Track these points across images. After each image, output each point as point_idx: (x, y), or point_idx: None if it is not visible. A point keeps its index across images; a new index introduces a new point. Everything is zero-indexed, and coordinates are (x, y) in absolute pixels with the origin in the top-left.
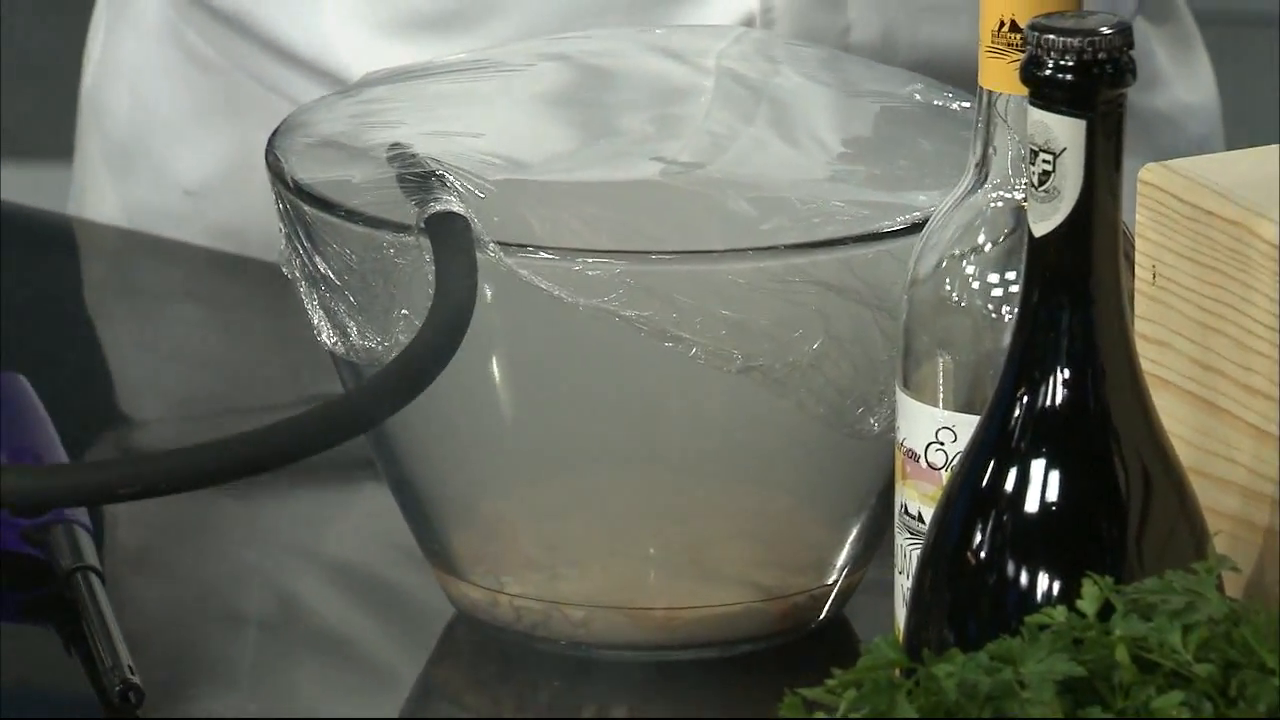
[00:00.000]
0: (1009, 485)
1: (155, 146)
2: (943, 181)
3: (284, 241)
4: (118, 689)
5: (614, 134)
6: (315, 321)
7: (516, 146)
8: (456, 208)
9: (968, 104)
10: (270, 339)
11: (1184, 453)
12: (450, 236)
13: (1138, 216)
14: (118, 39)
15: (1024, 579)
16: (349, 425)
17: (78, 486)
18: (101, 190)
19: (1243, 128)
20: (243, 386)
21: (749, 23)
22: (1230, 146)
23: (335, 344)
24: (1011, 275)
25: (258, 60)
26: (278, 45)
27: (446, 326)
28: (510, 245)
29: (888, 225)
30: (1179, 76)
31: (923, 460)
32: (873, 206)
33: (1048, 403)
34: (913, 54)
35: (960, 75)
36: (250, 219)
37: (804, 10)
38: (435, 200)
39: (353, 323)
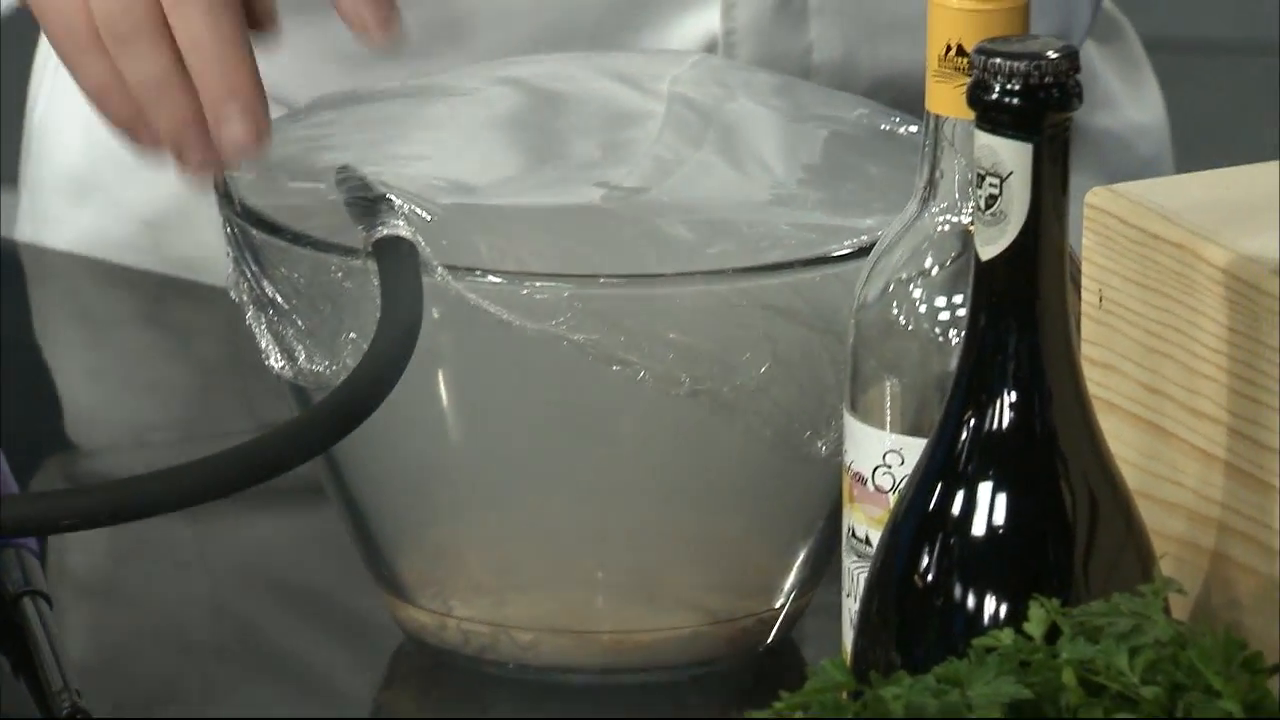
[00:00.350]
0: (956, 508)
1: (110, 179)
2: (890, 205)
3: (231, 265)
4: (65, 714)
5: (561, 158)
6: (263, 346)
7: (464, 170)
8: (404, 232)
9: (915, 128)
10: (224, 365)
11: (1130, 476)
12: (397, 260)
13: (1084, 240)
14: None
15: (971, 602)
16: (296, 452)
17: (20, 518)
18: (58, 219)
19: (1190, 153)
20: (196, 413)
21: (711, 46)
22: (1179, 171)
23: (284, 368)
24: (958, 299)
25: None
26: None
27: (393, 349)
28: (458, 269)
29: (835, 249)
30: (1128, 97)
31: (870, 483)
32: (820, 230)
33: (995, 426)
34: (874, 73)
35: (921, 94)
36: (208, 248)
37: (766, 32)
38: (382, 224)
39: (301, 346)
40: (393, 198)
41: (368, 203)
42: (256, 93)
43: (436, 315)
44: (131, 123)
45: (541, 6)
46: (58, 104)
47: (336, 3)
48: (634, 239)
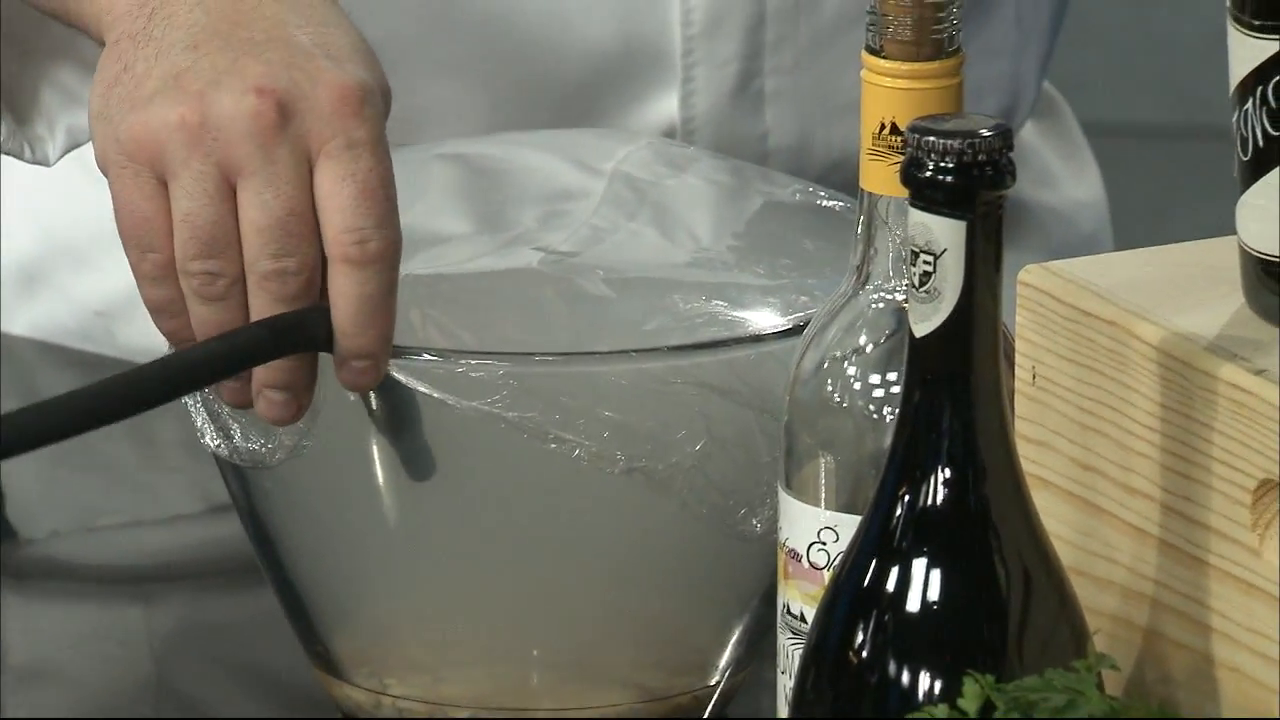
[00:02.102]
0: (890, 585)
1: (61, 271)
2: (824, 281)
3: (169, 345)
4: None
5: (497, 229)
6: (198, 424)
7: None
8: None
9: (848, 204)
10: (174, 447)
11: (1064, 552)
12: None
13: (1018, 317)
14: (16, 164)
15: (905, 678)
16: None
17: None
18: (8, 308)
19: (1126, 234)
20: (144, 496)
21: (670, 134)
22: (1118, 249)
23: (219, 446)
24: (893, 376)
25: None
26: None
27: (239, 342)
28: (393, 348)
29: (770, 327)
30: (1067, 174)
31: (805, 560)
32: (753, 305)
33: (929, 502)
34: (828, 155)
35: None
36: (158, 335)
37: (723, 119)
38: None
39: (235, 425)
40: None
41: None
42: (309, 380)
43: (372, 394)
44: (182, 342)
45: (497, 101)
46: (4, 194)
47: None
48: (557, 300)
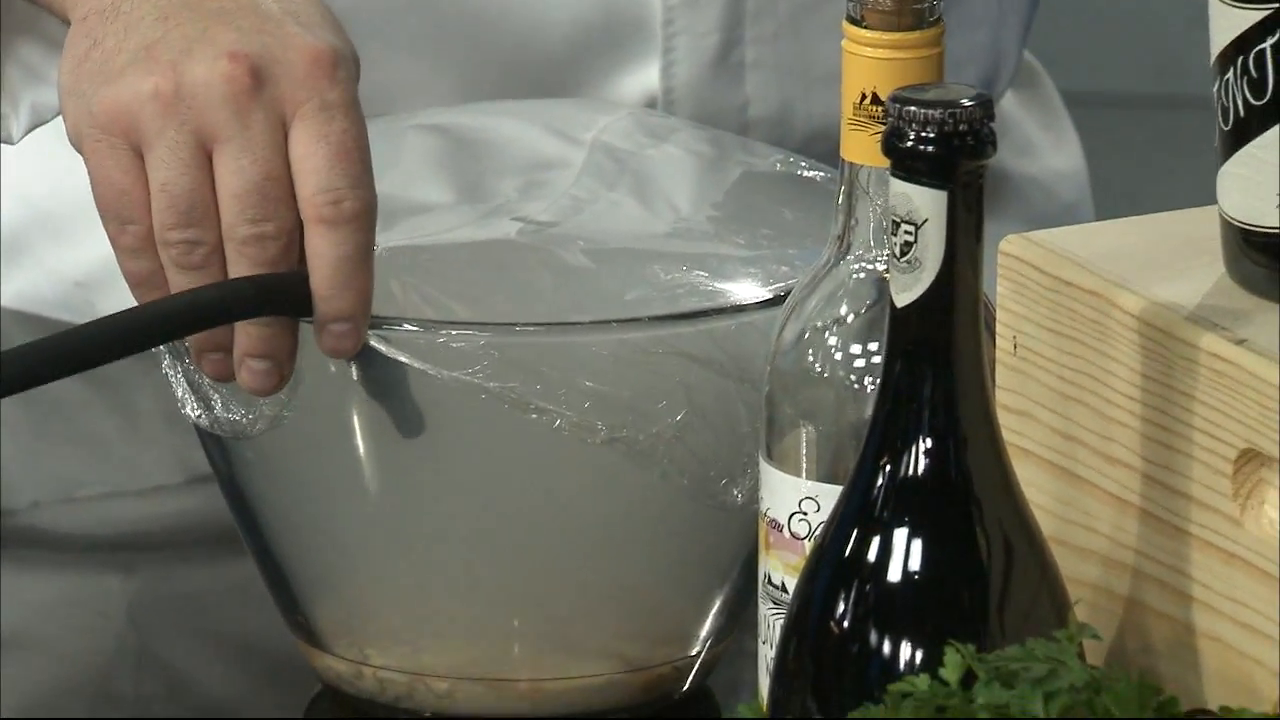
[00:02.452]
0: (871, 555)
1: (39, 242)
2: (805, 252)
3: None
4: None
5: (478, 199)
6: (179, 394)
7: (381, 210)
8: None
9: (829, 174)
10: (155, 417)
11: (1045, 522)
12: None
13: (999, 287)
14: None
15: (887, 648)
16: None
17: None
18: None
19: (1106, 205)
20: (128, 468)
21: (651, 104)
22: (1098, 220)
23: (199, 416)
24: (874, 346)
25: None
26: None
27: (238, 287)
28: (374, 318)
29: (751, 297)
30: (1048, 144)
31: (786, 530)
32: (733, 275)
33: (910, 472)
34: (809, 125)
35: None
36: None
37: (704, 89)
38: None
39: (216, 395)
40: None
41: None
42: (291, 349)
43: (353, 364)
44: None
45: (475, 74)
46: None
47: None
48: (537, 270)
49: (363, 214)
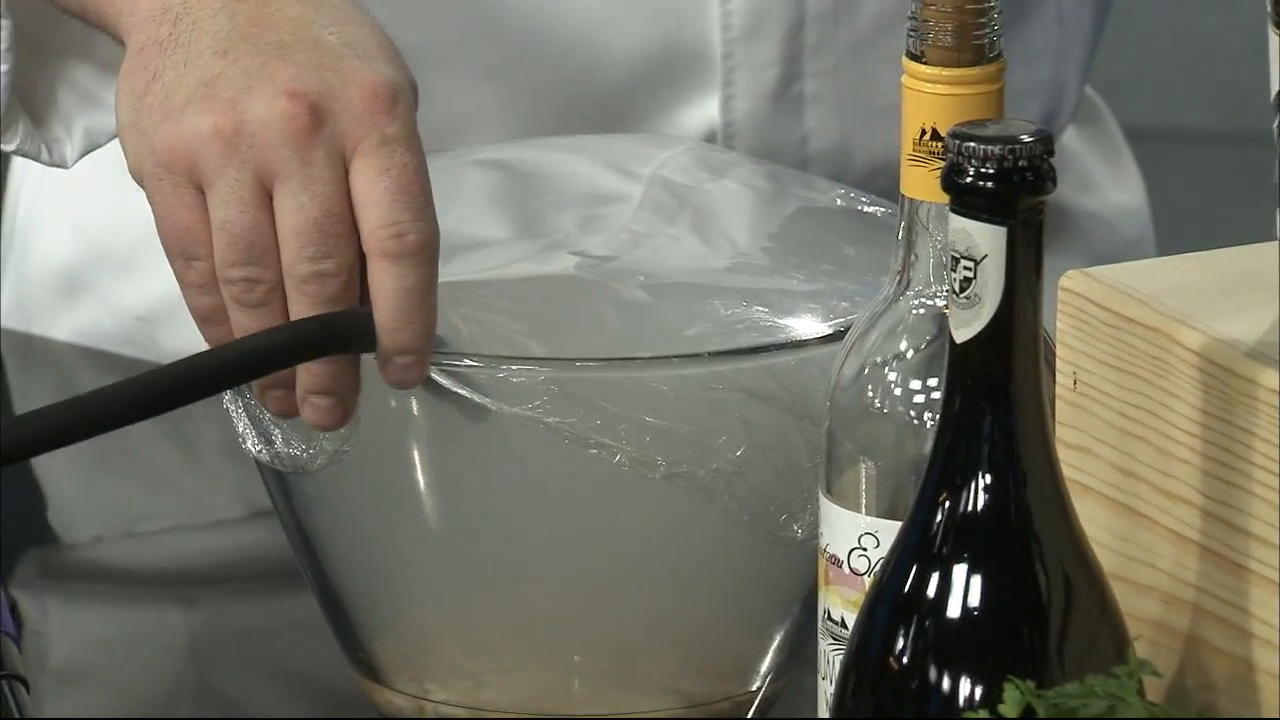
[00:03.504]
0: (931, 590)
1: (101, 277)
2: (865, 287)
3: None
4: None
5: (536, 234)
6: (240, 429)
7: (442, 245)
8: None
9: (889, 210)
10: (216, 452)
11: (1105, 558)
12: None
13: (1059, 323)
14: (53, 170)
15: (946, 683)
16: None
17: None
18: (49, 314)
19: (1168, 242)
20: (186, 501)
21: (711, 138)
22: (1160, 255)
23: (260, 451)
24: (933, 381)
25: None
26: None
27: (248, 350)
28: (435, 352)
29: (811, 333)
30: (1109, 180)
31: (845, 566)
32: (796, 314)
33: (969, 508)
34: (870, 160)
35: None
36: (200, 341)
37: (764, 123)
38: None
39: (277, 430)
40: None
41: None
42: (354, 385)
43: (413, 399)
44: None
45: (536, 106)
46: (44, 200)
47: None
48: (596, 305)
49: (425, 247)
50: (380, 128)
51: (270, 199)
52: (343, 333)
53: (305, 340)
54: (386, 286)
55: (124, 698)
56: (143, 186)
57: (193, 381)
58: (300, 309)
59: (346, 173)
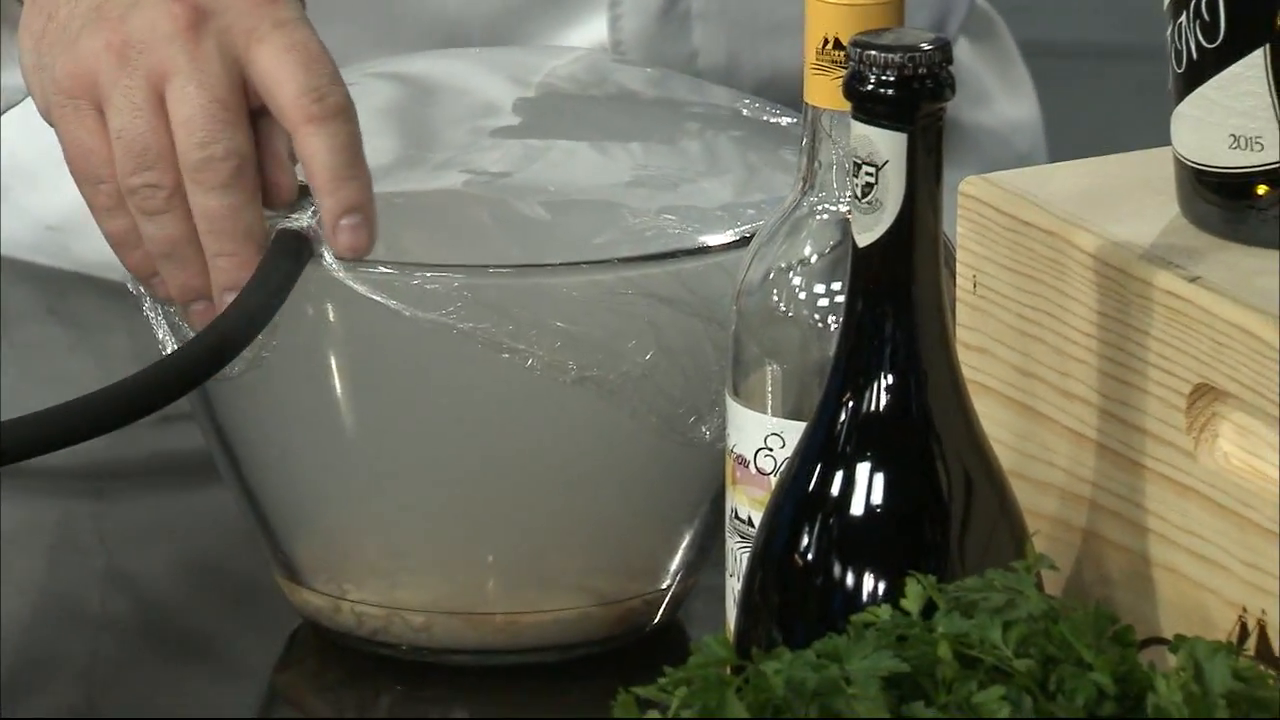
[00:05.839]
0: (835, 489)
1: (13, 186)
2: (769, 194)
3: (133, 278)
4: None
5: (433, 147)
6: (160, 336)
7: None
8: (303, 224)
9: (794, 119)
10: (126, 357)
11: (1004, 456)
12: (280, 248)
13: (958, 227)
14: None
15: (849, 579)
16: (108, 417)
17: None
18: None
19: (1061, 153)
20: None
21: None
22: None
23: None
24: (837, 286)
25: None
26: None
27: (231, 327)
28: (349, 259)
29: (717, 239)
30: (1003, 93)
31: (752, 466)
32: (702, 220)
33: (872, 408)
34: (756, 75)
35: (800, 93)
36: (110, 250)
37: (652, 41)
38: (288, 218)
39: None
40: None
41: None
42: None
43: (329, 305)
44: (147, 276)
45: (423, 31)
46: None
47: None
48: (499, 221)
49: (348, 108)
50: (271, 15)
51: (164, 103)
52: (297, 243)
53: (276, 281)
54: (319, 148)
55: (35, 588)
56: (51, 123)
57: (183, 371)
58: (198, 202)
59: (241, 69)
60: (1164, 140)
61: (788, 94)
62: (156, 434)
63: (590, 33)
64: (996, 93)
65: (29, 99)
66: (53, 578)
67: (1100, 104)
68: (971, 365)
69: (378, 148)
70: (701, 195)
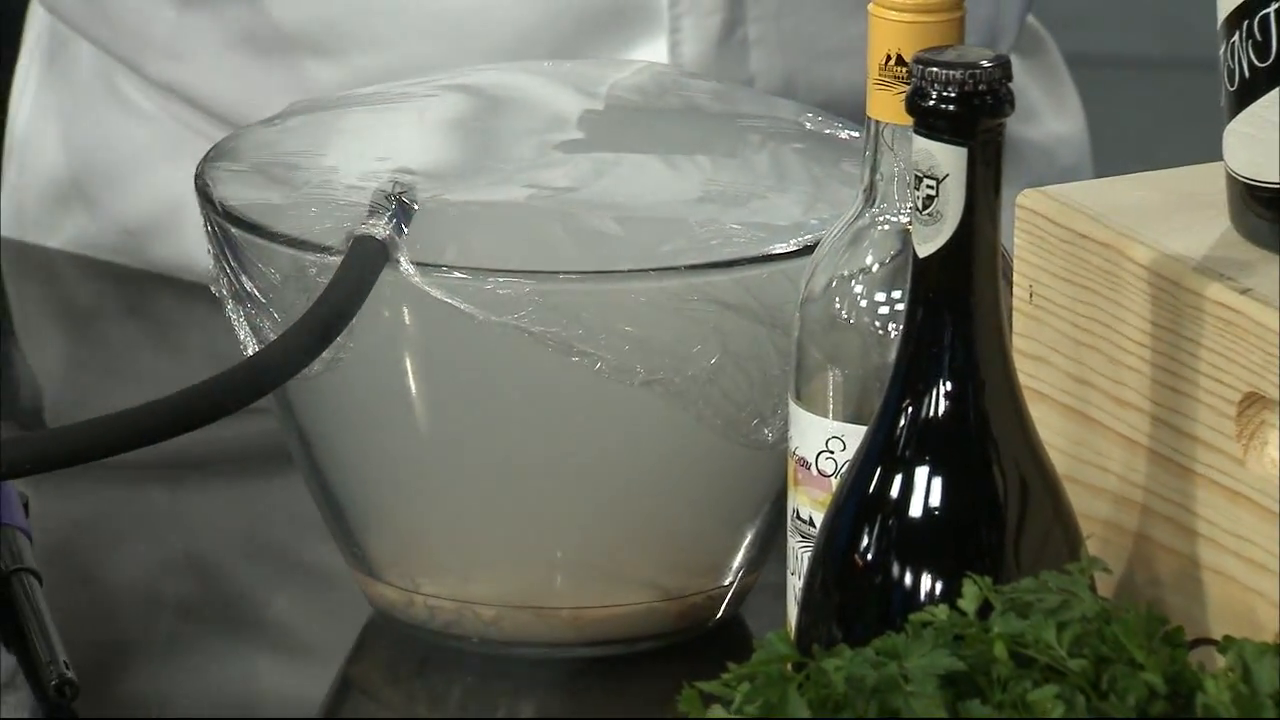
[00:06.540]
0: (894, 491)
1: (92, 189)
2: (833, 205)
3: (212, 261)
4: (54, 684)
5: (503, 159)
6: (242, 337)
7: (419, 169)
8: (378, 231)
9: (856, 133)
10: (204, 357)
11: (1059, 461)
12: (357, 255)
13: (1015, 239)
14: (49, 88)
15: (908, 579)
16: (188, 418)
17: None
18: (42, 224)
19: (1109, 165)
20: None
21: None
22: (1098, 176)
23: None
24: (897, 294)
25: (191, 114)
26: (211, 109)
27: (305, 335)
28: (425, 265)
29: (781, 247)
30: (1050, 109)
31: (814, 468)
32: (767, 229)
33: (930, 414)
34: (811, 98)
35: (855, 113)
36: (186, 255)
37: (709, 66)
38: (364, 224)
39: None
40: (400, 198)
41: (374, 205)
42: None
43: (406, 309)
44: None
45: (486, 57)
46: (40, 115)
47: None
48: (565, 233)
49: None
50: None
51: None
52: (374, 248)
53: (354, 285)
54: None
55: (112, 574)
56: None
57: (262, 372)
58: None
59: None
60: (1205, 149)
61: (840, 113)
62: (234, 424)
63: (650, 56)
64: (1044, 109)
65: (99, 97)
66: (129, 566)
67: (1143, 114)
68: (1028, 373)
69: (448, 158)
70: (770, 211)
